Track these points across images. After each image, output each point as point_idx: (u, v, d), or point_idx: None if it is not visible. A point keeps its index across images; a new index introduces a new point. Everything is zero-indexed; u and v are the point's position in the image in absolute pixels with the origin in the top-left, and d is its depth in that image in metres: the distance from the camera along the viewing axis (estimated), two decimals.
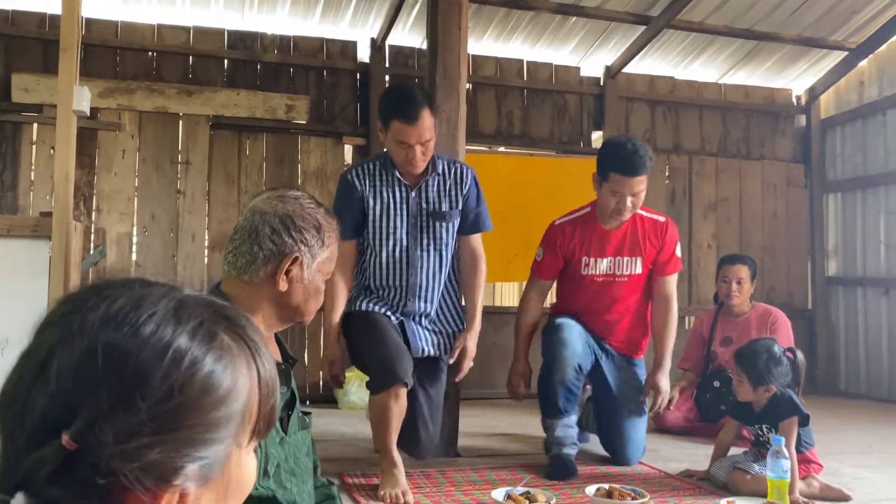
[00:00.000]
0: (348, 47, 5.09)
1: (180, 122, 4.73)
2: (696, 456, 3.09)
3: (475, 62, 5.23)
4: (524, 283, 9.82)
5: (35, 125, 4.49)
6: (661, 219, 3.30)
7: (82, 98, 2.97)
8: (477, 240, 3.01)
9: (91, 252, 4.24)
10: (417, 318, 2.92)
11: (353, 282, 2.97)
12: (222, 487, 0.65)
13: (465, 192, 2.93)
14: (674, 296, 3.29)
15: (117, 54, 4.68)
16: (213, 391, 0.62)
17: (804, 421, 2.76)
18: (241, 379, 0.65)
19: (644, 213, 3.28)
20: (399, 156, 2.79)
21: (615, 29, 5.23)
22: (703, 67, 5.73)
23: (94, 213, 4.57)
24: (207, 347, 0.63)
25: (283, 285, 1.49)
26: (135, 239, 4.66)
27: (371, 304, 2.89)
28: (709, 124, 5.79)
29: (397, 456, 2.70)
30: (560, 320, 3.17)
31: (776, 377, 2.78)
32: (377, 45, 5.05)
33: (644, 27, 5.10)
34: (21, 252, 3.08)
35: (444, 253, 2.91)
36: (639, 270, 3.22)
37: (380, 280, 2.90)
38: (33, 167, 4.49)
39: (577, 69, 5.53)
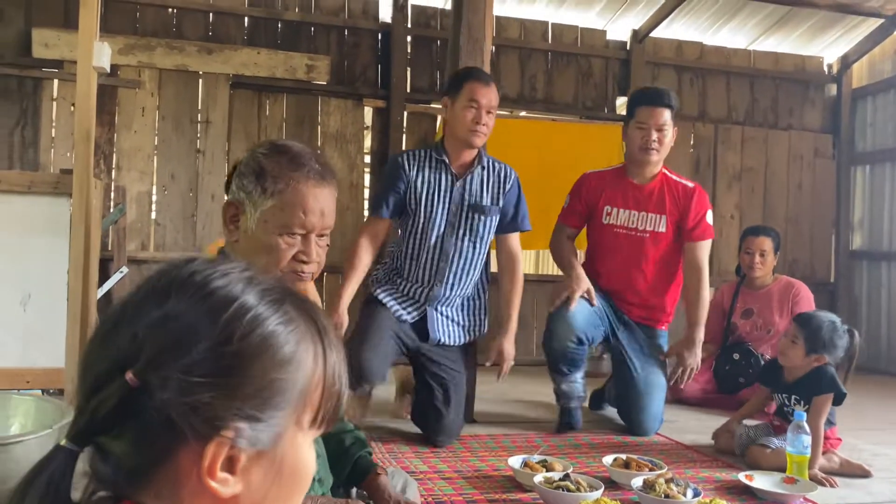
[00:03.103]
0: (370, 6, 5.00)
1: (200, 80, 4.69)
2: (713, 428, 3.07)
3: (498, 24, 5.12)
4: (541, 252, 9.68)
5: (56, 81, 4.47)
6: (690, 184, 3.31)
7: (102, 54, 2.94)
8: (515, 240, 3.06)
9: (111, 210, 4.25)
10: (441, 307, 2.96)
11: (381, 262, 3.07)
12: (275, 467, 0.63)
13: (507, 190, 2.97)
14: (704, 265, 3.24)
15: (137, 10, 4.62)
16: (273, 351, 0.62)
17: (839, 400, 2.72)
18: (305, 352, 0.65)
19: (674, 177, 3.32)
20: (465, 120, 2.84)
21: None
22: (733, 34, 5.58)
23: (114, 170, 4.56)
24: (273, 309, 0.64)
25: (227, 234, 1.44)
26: (154, 198, 4.65)
27: (390, 298, 2.93)
28: (736, 92, 5.67)
29: None
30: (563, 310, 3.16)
31: (834, 350, 2.73)
32: (399, 5, 4.94)
33: None
34: (42, 209, 3.08)
35: (478, 245, 2.96)
36: (662, 229, 3.22)
37: (411, 264, 2.94)
38: (54, 123, 4.48)
39: (604, 32, 5.40)
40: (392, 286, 2.97)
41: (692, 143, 5.55)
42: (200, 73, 4.67)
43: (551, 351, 3.17)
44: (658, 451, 2.92)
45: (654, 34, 5.34)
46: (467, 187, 2.92)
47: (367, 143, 5.12)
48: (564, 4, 5.21)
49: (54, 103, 4.47)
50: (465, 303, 3.02)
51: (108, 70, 3.08)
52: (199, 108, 4.69)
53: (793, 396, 2.79)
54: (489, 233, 2.98)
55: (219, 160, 4.72)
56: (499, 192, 2.96)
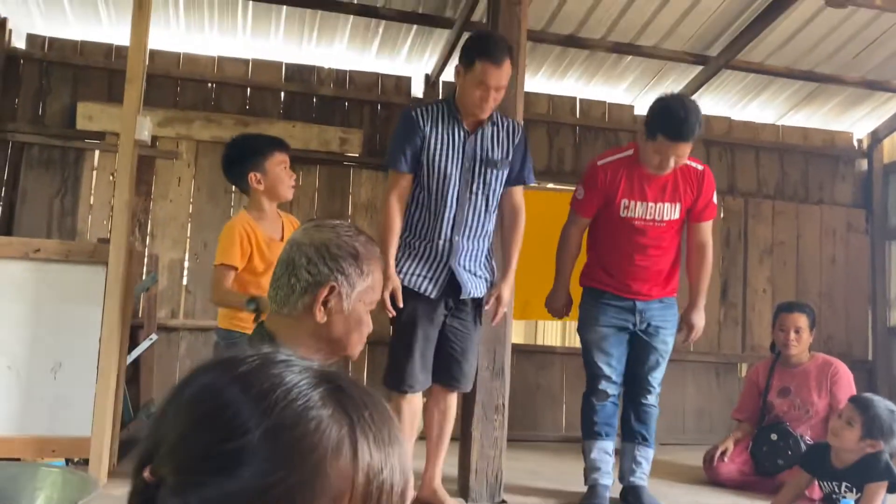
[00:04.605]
0: (402, 83, 5.13)
1: None
2: None
3: (527, 99, 5.18)
4: (568, 323, 9.55)
5: (97, 152, 4.60)
6: (700, 167, 3.32)
7: (143, 128, 3.04)
8: (519, 193, 3.08)
9: (143, 277, 4.30)
10: (463, 261, 2.94)
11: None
12: None
13: (516, 143, 3.01)
14: (710, 243, 3.36)
15: (178, 84, 4.79)
16: (275, 450, 0.57)
17: (894, 488, 2.62)
18: (324, 450, 0.58)
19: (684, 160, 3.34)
20: (473, 97, 2.86)
21: (672, 68, 5.16)
22: (761, 109, 5.62)
23: (148, 238, 4.64)
24: (299, 402, 0.59)
25: (320, 316, 1.45)
26: (186, 265, 4.71)
27: (411, 276, 2.89)
28: (766, 166, 5.66)
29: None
30: (593, 336, 3.25)
31: (891, 437, 2.66)
32: (431, 82, 5.07)
33: (702, 67, 5.03)
34: (78, 278, 3.13)
35: (490, 199, 2.98)
36: (676, 216, 3.25)
37: (426, 222, 2.92)
38: (93, 192, 4.59)
39: (631, 108, 5.47)
40: (410, 256, 2.92)
41: (722, 215, 5.51)
42: None
43: (590, 404, 3.25)
44: None
45: None
46: (479, 142, 2.95)
47: None
48: (593, 80, 5.30)
49: (94, 173, 4.60)
50: (482, 255, 3.01)
51: (149, 143, 3.18)
52: None
53: (843, 483, 2.68)
54: (500, 186, 3.00)
55: None
56: (508, 146, 2.99)
